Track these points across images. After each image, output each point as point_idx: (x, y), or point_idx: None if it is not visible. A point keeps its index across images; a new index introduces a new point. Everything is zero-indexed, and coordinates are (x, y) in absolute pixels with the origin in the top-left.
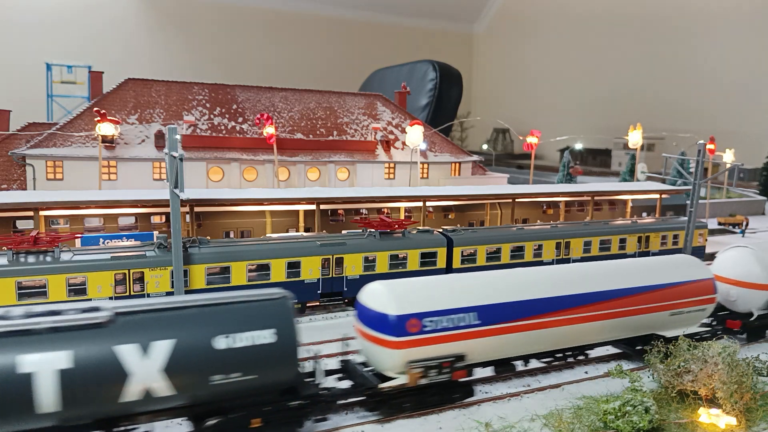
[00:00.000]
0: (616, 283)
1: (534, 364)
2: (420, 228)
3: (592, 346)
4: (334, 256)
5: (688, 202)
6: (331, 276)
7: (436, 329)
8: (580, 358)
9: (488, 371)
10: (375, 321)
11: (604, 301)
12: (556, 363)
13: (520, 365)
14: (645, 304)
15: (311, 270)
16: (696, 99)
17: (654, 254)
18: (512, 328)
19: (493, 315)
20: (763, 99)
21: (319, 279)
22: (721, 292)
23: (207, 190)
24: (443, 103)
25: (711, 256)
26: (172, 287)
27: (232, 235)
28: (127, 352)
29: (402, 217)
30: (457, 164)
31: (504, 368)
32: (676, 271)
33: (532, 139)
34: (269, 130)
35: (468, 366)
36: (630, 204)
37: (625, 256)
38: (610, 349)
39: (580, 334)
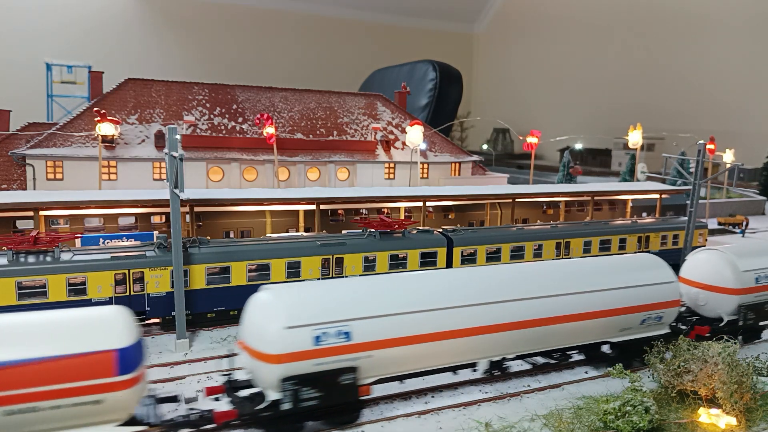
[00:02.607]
0: None
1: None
2: (420, 228)
3: None
4: (334, 256)
5: (688, 202)
6: (331, 276)
7: None
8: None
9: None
10: None
11: None
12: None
13: None
14: None
15: (311, 270)
16: (696, 99)
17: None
18: None
19: None
20: (763, 99)
21: (319, 279)
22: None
23: (207, 190)
24: (443, 103)
25: None
26: (172, 287)
27: (232, 235)
28: None
29: (402, 217)
30: (457, 164)
31: None
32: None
33: (532, 139)
34: (269, 130)
35: None
36: (630, 204)
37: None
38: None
39: None
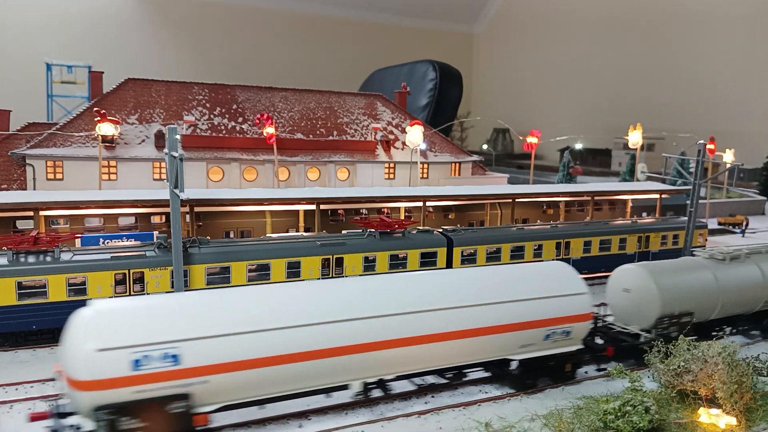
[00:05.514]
0: None
1: None
2: (420, 228)
3: None
4: (334, 256)
5: (688, 202)
6: (331, 276)
7: None
8: None
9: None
10: None
11: None
12: None
13: None
14: None
15: (311, 270)
16: (696, 99)
17: (653, 255)
18: None
19: None
20: (763, 99)
21: (319, 279)
22: None
23: (207, 190)
24: (443, 103)
25: None
26: (172, 287)
27: (232, 235)
28: None
29: (402, 217)
30: (457, 164)
31: None
32: None
33: (532, 139)
34: (269, 130)
35: None
36: (630, 204)
37: (625, 255)
38: None
39: None
